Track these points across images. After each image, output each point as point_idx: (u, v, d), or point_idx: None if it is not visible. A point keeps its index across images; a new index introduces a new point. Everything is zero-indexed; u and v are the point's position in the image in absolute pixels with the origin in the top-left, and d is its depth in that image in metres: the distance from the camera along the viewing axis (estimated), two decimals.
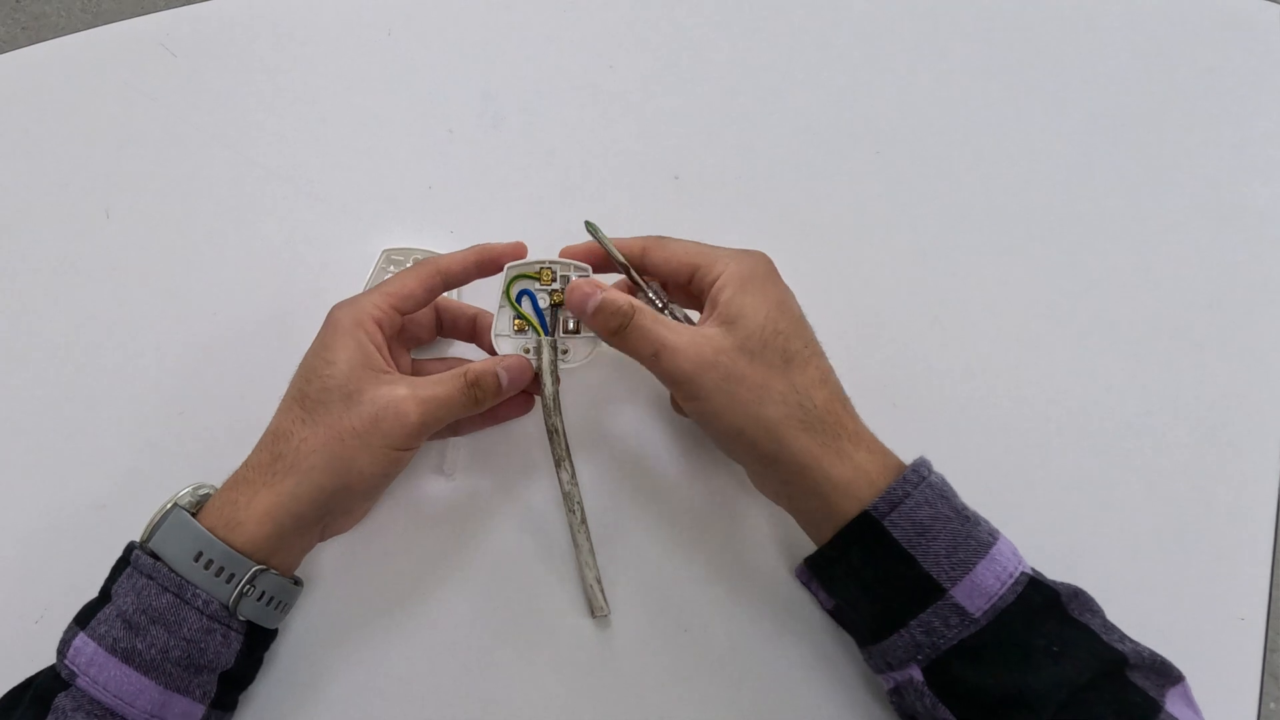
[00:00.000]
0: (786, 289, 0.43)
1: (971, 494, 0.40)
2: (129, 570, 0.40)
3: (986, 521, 0.40)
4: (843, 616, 0.45)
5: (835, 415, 0.40)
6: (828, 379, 0.41)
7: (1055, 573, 0.40)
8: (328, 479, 0.40)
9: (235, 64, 0.58)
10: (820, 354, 0.42)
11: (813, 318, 0.43)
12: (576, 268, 0.46)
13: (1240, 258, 0.53)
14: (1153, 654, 0.38)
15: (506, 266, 0.46)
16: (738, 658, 0.46)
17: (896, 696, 0.41)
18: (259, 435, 0.43)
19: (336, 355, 0.42)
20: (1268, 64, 0.57)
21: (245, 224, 0.54)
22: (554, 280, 0.46)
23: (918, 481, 0.39)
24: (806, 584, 0.46)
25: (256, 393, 0.48)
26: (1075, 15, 0.58)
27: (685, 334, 0.41)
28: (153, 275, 0.53)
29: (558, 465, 0.45)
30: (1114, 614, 0.39)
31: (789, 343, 0.41)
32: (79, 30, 0.59)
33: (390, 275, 0.46)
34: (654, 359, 0.41)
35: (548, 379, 0.45)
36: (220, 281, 0.53)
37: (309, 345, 0.44)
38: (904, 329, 0.52)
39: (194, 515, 0.41)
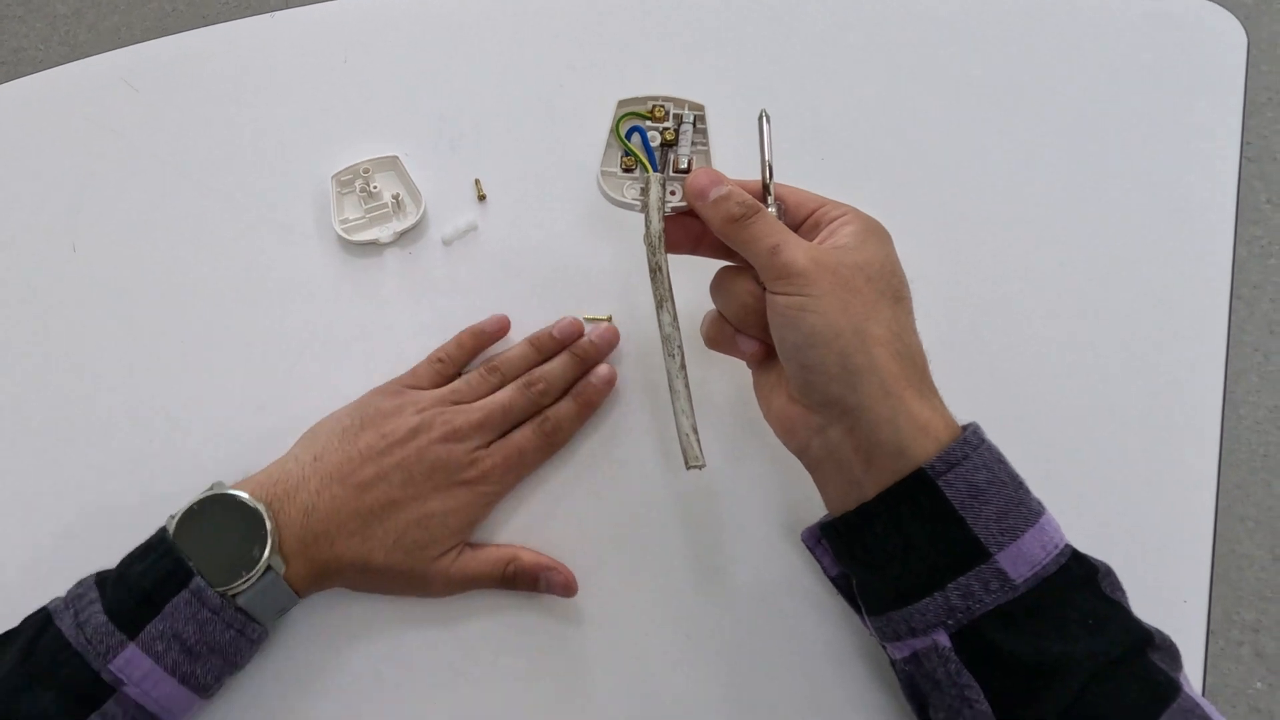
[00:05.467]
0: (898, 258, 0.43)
1: None
2: (188, 596, 0.42)
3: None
4: (849, 585, 0.45)
5: (922, 362, 0.41)
6: (918, 336, 0.42)
7: None
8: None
9: (195, 96, 0.58)
10: (914, 318, 0.42)
11: None
12: (691, 105, 0.45)
13: (1179, 251, 0.55)
14: (1168, 638, 0.38)
15: (617, 102, 0.45)
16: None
17: (912, 664, 0.40)
18: (225, 467, 0.48)
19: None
20: (1200, 59, 0.58)
21: (209, 255, 0.55)
22: (666, 118, 0.45)
23: (977, 444, 0.39)
24: (812, 549, 0.46)
25: (221, 423, 0.50)
26: (1016, 15, 0.59)
27: (804, 241, 0.42)
28: (119, 307, 0.54)
29: (659, 307, 0.43)
30: None
31: (901, 287, 0.42)
32: (56, 62, 0.60)
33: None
34: (772, 251, 0.41)
35: (654, 216, 0.43)
36: (186, 313, 0.54)
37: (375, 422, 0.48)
38: None
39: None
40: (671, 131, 0.45)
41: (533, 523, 0.50)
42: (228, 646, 0.43)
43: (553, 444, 0.50)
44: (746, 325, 0.44)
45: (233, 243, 0.56)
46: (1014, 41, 0.59)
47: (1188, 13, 0.58)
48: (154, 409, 0.52)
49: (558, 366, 0.51)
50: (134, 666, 0.41)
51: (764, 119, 0.44)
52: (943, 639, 0.38)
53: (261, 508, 0.44)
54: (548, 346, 0.52)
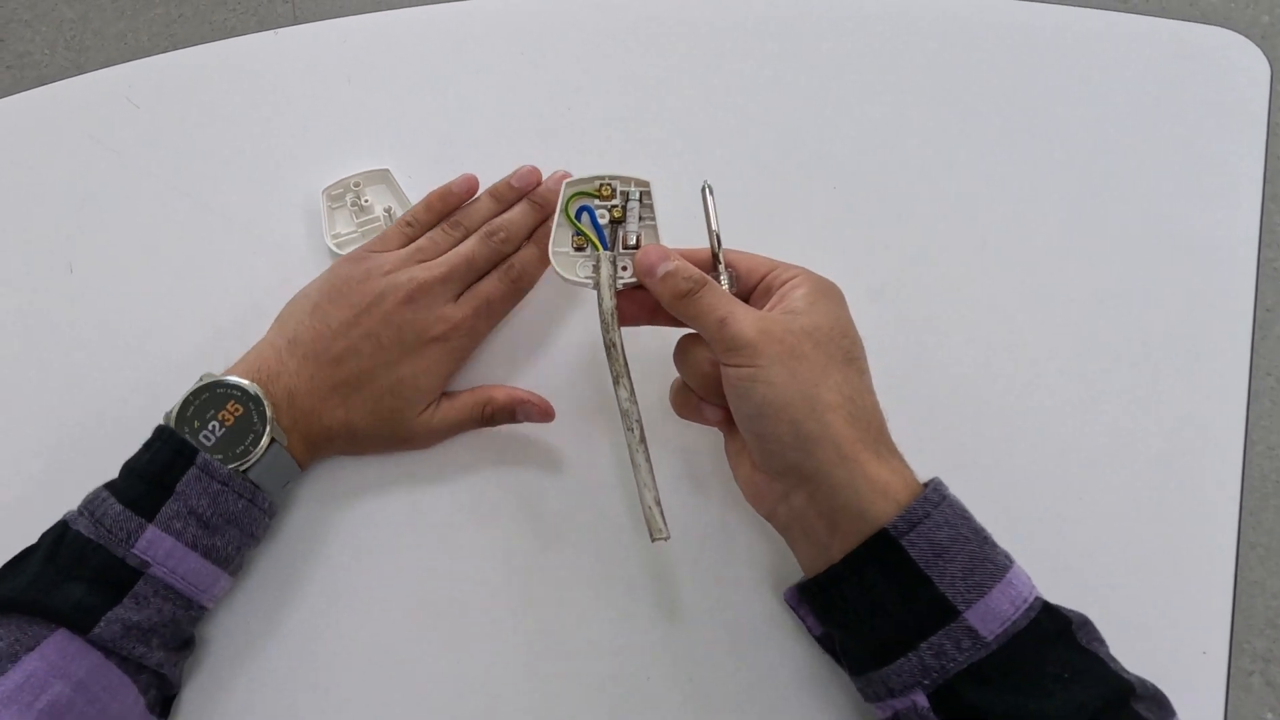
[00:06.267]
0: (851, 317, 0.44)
1: None
2: (196, 473, 0.43)
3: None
4: (834, 643, 0.44)
5: (879, 422, 0.41)
6: (874, 395, 0.42)
7: None
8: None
9: (196, 114, 0.58)
10: (870, 376, 0.43)
11: None
12: (637, 182, 0.46)
13: (1192, 284, 0.54)
14: (1153, 687, 0.38)
15: (564, 184, 0.46)
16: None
17: None
18: None
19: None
20: (1223, 91, 0.57)
21: (207, 275, 0.55)
22: (613, 196, 0.46)
23: (938, 501, 0.39)
24: (795, 608, 0.46)
25: None
26: (1026, 46, 0.59)
27: (752, 310, 0.42)
28: (116, 329, 0.54)
29: (615, 382, 0.44)
30: None
31: (853, 348, 0.42)
32: (62, 67, 0.59)
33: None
34: (720, 324, 0.41)
35: (606, 294, 0.44)
36: (183, 333, 0.54)
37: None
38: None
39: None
40: (619, 209, 0.46)
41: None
42: (242, 516, 0.45)
43: (519, 289, 0.51)
44: (709, 393, 0.44)
45: (227, 260, 0.55)
46: (1031, 76, 0.58)
47: (1211, 43, 0.57)
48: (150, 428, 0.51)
49: (517, 214, 0.51)
50: (156, 546, 0.42)
51: (707, 190, 0.45)
52: (921, 699, 0.38)
53: (258, 390, 0.45)
54: (507, 196, 0.52)
